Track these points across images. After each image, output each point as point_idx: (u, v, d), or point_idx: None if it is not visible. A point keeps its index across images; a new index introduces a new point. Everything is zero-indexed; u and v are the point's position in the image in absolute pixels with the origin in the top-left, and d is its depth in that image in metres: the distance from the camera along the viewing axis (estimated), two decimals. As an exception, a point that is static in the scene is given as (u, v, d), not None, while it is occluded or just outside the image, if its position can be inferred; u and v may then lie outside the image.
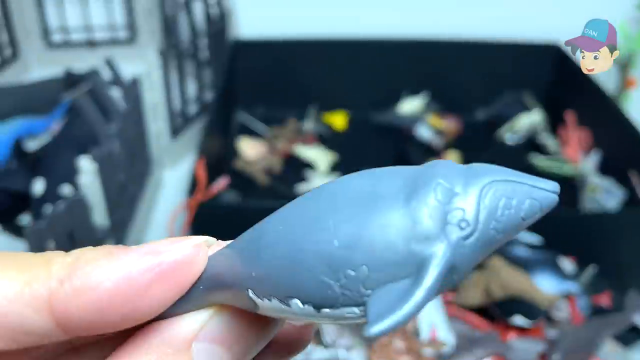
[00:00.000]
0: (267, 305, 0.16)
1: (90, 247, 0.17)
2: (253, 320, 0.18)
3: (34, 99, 0.84)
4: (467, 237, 0.15)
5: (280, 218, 0.17)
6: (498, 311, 0.65)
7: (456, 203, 0.15)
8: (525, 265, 0.68)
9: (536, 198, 0.16)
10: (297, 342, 0.20)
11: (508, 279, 0.65)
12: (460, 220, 0.15)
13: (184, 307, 0.18)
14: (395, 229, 0.15)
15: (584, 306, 0.67)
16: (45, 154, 0.75)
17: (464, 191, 0.15)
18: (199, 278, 0.17)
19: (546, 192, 0.16)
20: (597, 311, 0.68)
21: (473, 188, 0.15)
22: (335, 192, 0.16)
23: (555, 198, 0.16)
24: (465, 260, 0.15)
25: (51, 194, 0.69)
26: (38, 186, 0.71)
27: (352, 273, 0.15)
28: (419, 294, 0.14)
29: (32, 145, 0.78)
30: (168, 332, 0.17)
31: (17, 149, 0.76)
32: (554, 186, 0.16)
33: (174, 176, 0.92)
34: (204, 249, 0.17)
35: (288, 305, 0.16)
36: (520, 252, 0.70)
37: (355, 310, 0.15)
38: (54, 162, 0.73)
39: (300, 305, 0.16)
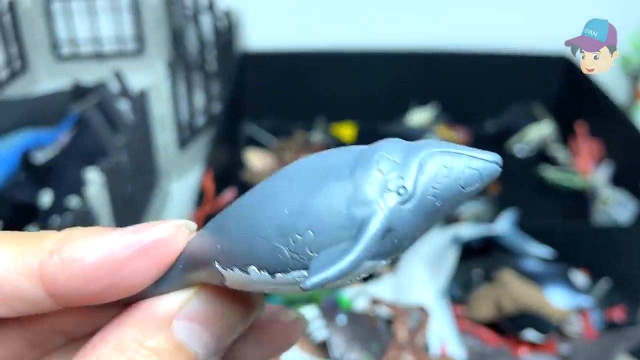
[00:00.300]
0: (231, 276, 0.18)
1: (81, 227, 0.19)
2: (232, 302, 0.19)
3: (42, 111, 0.84)
4: (404, 202, 0.16)
5: (245, 197, 0.18)
6: (509, 326, 0.65)
7: (396, 172, 0.16)
8: (536, 279, 0.67)
9: (475, 167, 0.16)
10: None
11: (519, 293, 0.65)
12: (398, 187, 0.16)
13: (166, 286, 0.19)
14: (338, 196, 0.16)
15: (597, 320, 0.66)
16: (53, 166, 0.75)
17: (404, 162, 0.16)
18: (179, 258, 0.19)
19: (485, 161, 0.17)
20: (610, 325, 0.67)
21: (413, 159, 0.16)
22: (293, 170, 0.18)
23: (495, 167, 0.17)
24: (404, 224, 0.16)
25: (59, 206, 0.69)
26: (46, 198, 0.71)
27: (300, 237, 0.16)
28: (355, 252, 0.16)
29: (40, 157, 0.78)
30: (150, 309, 0.19)
31: (25, 161, 0.76)
32: (494, 157, 0.17)
33: (181, 188, 0.92)
34: (182, 230, 0.19)
35: (247, 272, 0.17)
36: (532, 265, 0.69)
37: (304, 273, 0.16)
38: (62, 174, 0.73)
39: (257, 271, 0.17)
